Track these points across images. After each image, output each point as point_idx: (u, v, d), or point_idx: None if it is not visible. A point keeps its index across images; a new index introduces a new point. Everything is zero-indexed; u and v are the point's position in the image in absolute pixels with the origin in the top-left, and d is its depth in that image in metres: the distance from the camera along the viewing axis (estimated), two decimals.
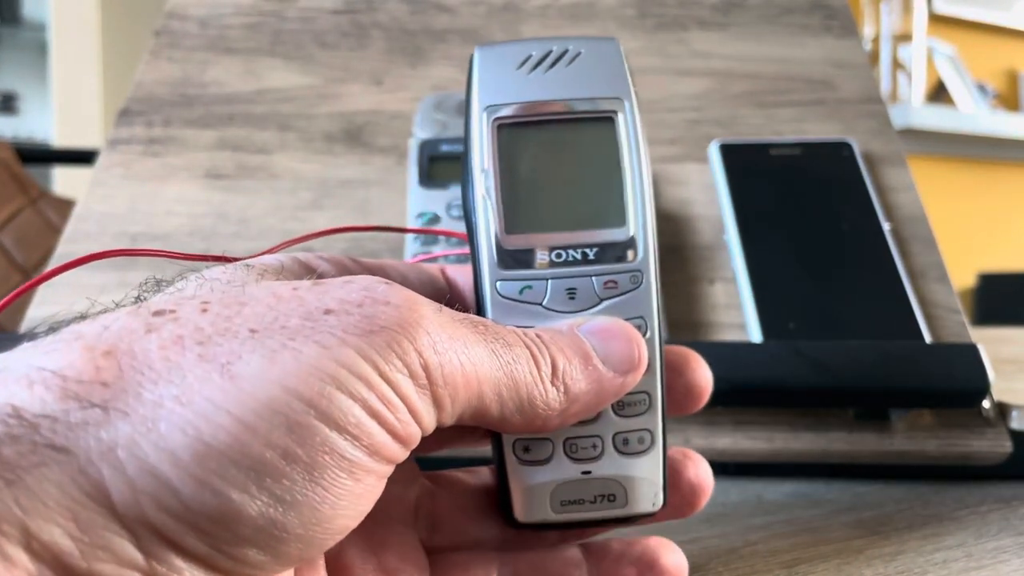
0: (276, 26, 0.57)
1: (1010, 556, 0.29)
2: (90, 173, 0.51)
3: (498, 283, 0.20)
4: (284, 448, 0.15)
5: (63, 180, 1.79)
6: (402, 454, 0.17)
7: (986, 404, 0.37)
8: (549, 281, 0.21)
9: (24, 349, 0.16)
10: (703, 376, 0.23)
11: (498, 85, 0.21)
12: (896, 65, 2.29)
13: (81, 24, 1.98)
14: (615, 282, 0.21)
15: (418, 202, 0.43)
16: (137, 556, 0.14)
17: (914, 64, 2.27)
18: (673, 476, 0.22)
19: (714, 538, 0.30)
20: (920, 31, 2.28)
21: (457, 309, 0.19)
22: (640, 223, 0.21)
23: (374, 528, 0.20)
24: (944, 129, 2.22)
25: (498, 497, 0.21)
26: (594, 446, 0.21)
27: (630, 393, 0.20)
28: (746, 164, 0.48)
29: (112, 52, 1.98)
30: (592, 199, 0.21)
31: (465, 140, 0.21)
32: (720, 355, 0.36)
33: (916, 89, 2.28)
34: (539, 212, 0.21)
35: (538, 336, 0.19)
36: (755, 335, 0.40)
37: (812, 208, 0.45)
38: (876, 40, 2.28)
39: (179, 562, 0.14)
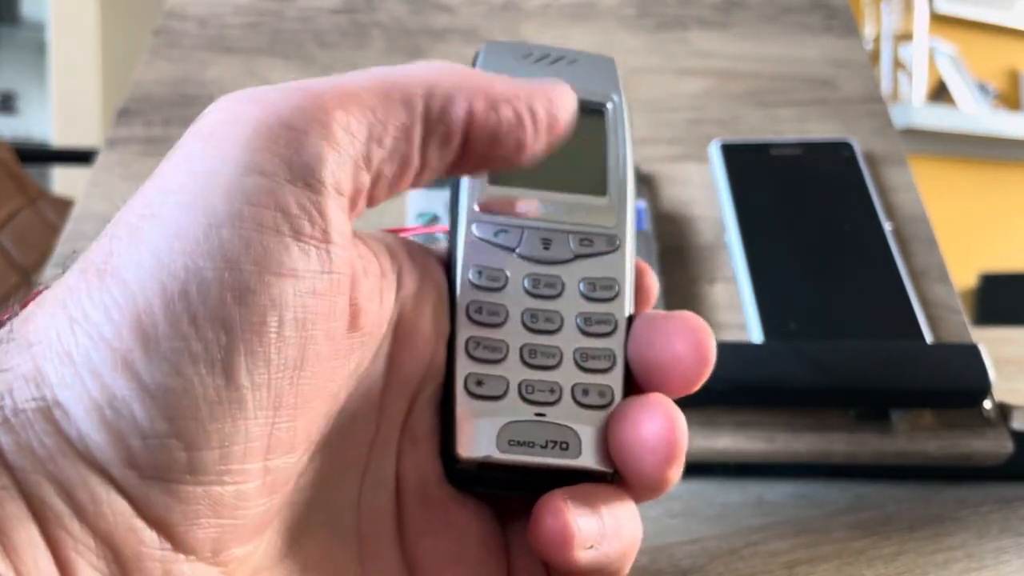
0: (275, 25, 0.57)
1: (1011, 556, 0.28)
2: (89, 173, 0.51)
3: (474, 224, 0.21)
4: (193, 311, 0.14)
5: (62, 180, 1.79)
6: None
7: (987, 404, 0.37)
8: (525, 230, 0.21)
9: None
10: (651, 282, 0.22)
11: (501, 67, 0.22)
12: (897, 65, 2.29)
13: (80, 24, 1.98)
14: (591, 240, 0.21)
15: (418, 202, 0.43)
16: (125, 506, 0.14)
17: (915, 64, 2.27)
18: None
19: (714, 539, 0.30)
20: (921, 31, 2.28)
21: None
22: (618, 196, 0.22)
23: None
24: (945, 129, 2.22)
25: (440, 442, 0.20)
26: (551, 391, 0.20)
27: (593, 348, 0.20)
28: (747, 164, 0.47)
29: (111, 52, 1.98)
30: (577, 169, 0.22)
31: None
32: (720, 355, 0.36)
33: (917, 89, 2.28)
34: (525, 171, 0.21)
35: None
36: (756, 335, 0.40)
37: (813, 208, 0.45)
38: (877, 40, 2.28)
39: (165, 487, 0.14)
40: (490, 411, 0.19)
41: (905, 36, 2.28)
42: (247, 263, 0.15)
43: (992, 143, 2.36)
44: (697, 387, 0.20)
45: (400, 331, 0.19)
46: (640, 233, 0.44)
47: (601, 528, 0.18)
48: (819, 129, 0.51)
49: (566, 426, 0.20)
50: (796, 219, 0.45)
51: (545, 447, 0.19)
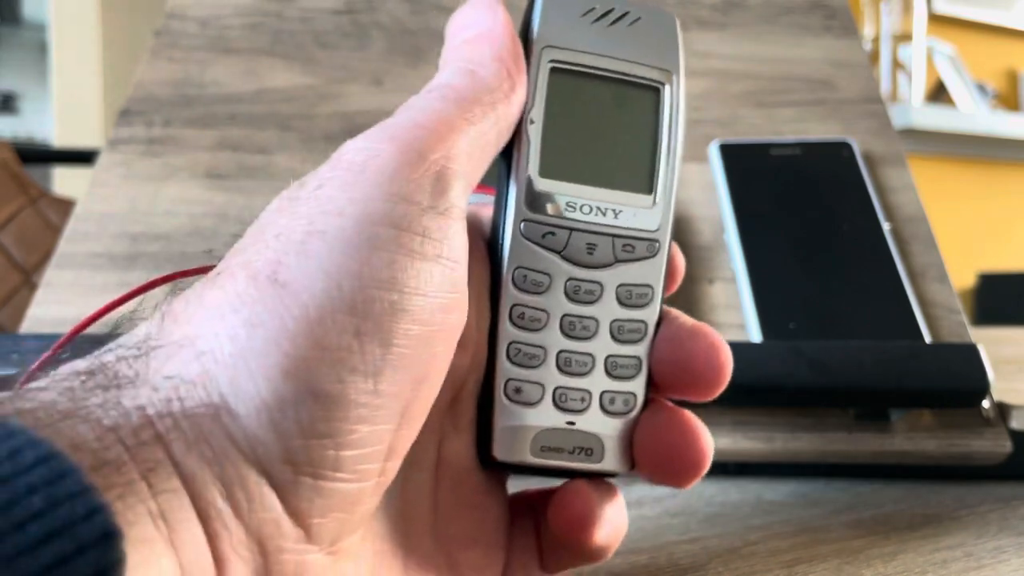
0: (276, 26, 0.57)
1: (1010, 556, 0.29)
2: (90, 173, 0.51)
3: (523, 223, 0.21)
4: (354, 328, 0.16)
5: (63, 180, 1.79)
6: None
7: (986, 404, 0.37)
8: (572, 232, 0.21)
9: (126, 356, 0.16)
10: (720, 357, 0.21)
11: (560, 26, 0.21)
12: (896, 65, 2.29)
13: (81, 24, 1.98)
14: (632, 246, 0.21)
15: None
16: (276, 502, 0.15)
17: (914, 64, 2.27)
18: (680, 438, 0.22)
19: (714, 538, 0.30)
20: (920, 31, 2.28)
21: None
22: (665, 195, 0.22)
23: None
24: (944, 129, 2.23)
25: (476, 434, 0.21)
26: (582, 399, 0.21)
27: (623, 356, 0.21)
28: (746, 164, 0.48)
29: (112, 52, 1.98)
30: (626, 162, 0.22)
31: None
32: None
33: (916, 89, 2.28)
34: (575, 163, 0.21)
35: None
36: (755, 335, 0.40)
37: (812, 208, 0.45)
38: (876, 40, 2.28)
39: (313, 484, 0.16)
40: (525, 417, 0.21)
41: (904, 36, 2.28)
42: (404, 285, 0.17)
43: (991, 143, 2.36)
44: (713, 396, 0.22)
45: (464, 352, 0.20)
46: None
47: (612, 515, 0.21)
48: (818, 129, 0.51)
49: (592, 434, 0.21)
50: (795, 219, 0.45)
51: (572, 452, 0.21)
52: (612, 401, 0.21)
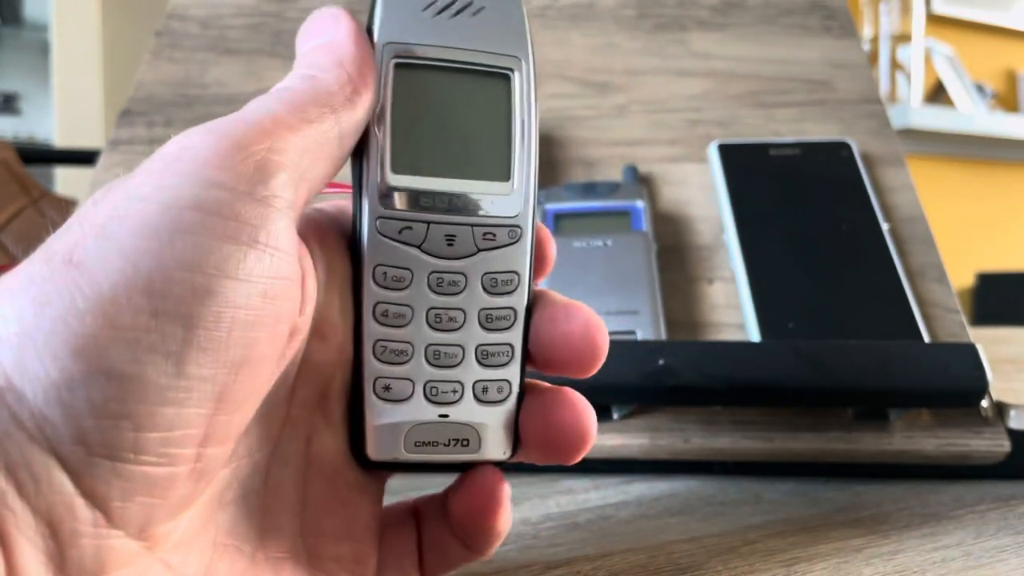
0: (277, 27, 0.57)
1: (1008, 555, 0.29)
2: (92, 173, 0.52)
3: (378, 220, 0.20)
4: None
5: (65, 180, 1.79)
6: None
7: (984, 404, 0.37)
8: (430, 225, 0.21)
9: None
10: (595, 334, 0.21)
11: (401, 23, 0.21)
12: (895, 65, 2.29)
13: (82, 25, 1.98)
14: (493, 234, 0.21)
15: None
16: (67, 483, 0.15)
17: (913, 64, 2.27)
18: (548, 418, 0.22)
19: (713, 537, 0.30)
20: (919, 31, 2.28)
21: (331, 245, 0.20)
22: (524, 180, 0.21)
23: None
24: (943, 129, 2.22)
25: (349, 434, 0.21)
26: (454, 391, 0.21)
27: (494, 344, 0.21)
28: (745, 164, 0.48)
29: (113, 53, 1.98)
30: (480, 151, 0.21)
31: None
32: (720, 355, 0.37)
33: (915, 89, 2.28)
34: (427, 156, 0.21)
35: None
36: (754, 335, 0.41)
37: (811, 208, 0.46)
38: (875, 40, 2.28)
39: (109, 465, 0.15)
40: (397, 414, 0.20)
41: (903, 37, 2.28)
42: (208, 267, 0.16)
43: (990, 143, 2.36)
44: (592, 371, 0.22)
45: (317, 328, 0.20)
46: (639, 233, 0.44)
47: (508, 503, 0.22)
48: (817, 130, 0.51)
49: (467, 424, 0.21)
50: (794, 219, 0.45)
51: (448, 445, 0.21)
52: (485, 390, 0.21)
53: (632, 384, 0.36)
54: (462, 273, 0.21)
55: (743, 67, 0.55)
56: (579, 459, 0.21)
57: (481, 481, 0.21)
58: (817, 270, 0.43)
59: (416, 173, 0.21)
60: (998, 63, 2.51)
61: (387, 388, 0.20)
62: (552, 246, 0.23)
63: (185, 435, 0.16)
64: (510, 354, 0.21)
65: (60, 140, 1.96)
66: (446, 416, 0.21)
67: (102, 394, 0.15)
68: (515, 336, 0.21)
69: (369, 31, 0.21)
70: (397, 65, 0.21)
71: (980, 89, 2.40)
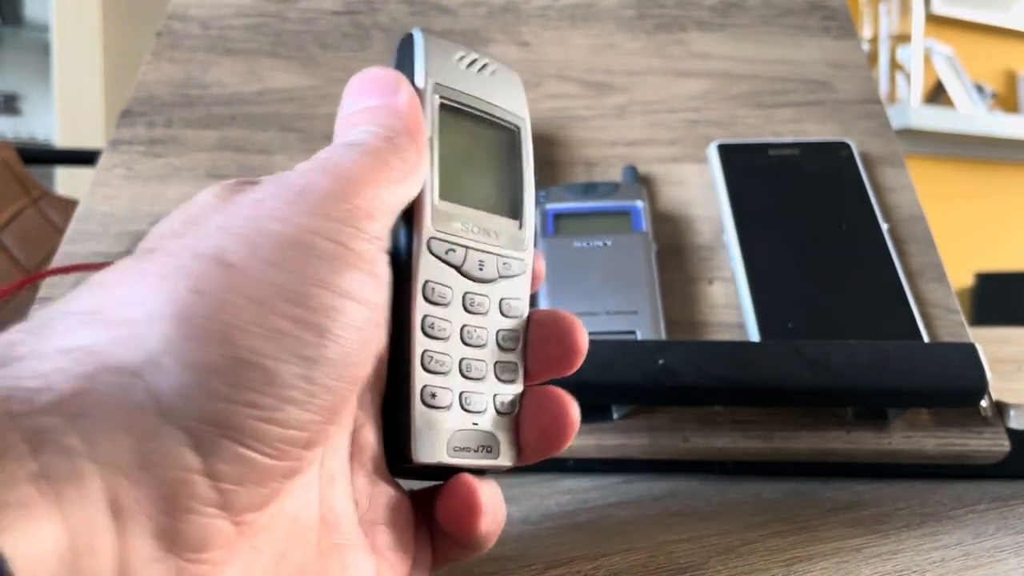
0: (277, 27, 0.57)
1: (1007, 555, 0.29)
2: (92, 174, 0.52)
3: (431, 240, 0.22)
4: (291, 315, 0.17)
5: (65, 180, 1.79)
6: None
7: (984, 403, 0.38)
8: (468, 250, 0.23)
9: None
10: (581, 340, 0.24)
11: (441, 68, 0.24)
12: (894, 66, 2.29)
13: (83, 25, 1.98)
14: (509, 264, 0.24)
15: None
16: (194, 460, 0.16)
17: (912, 65, 2.27)
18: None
19: (712, 536, 0.30)
20: (918, 32, 2.28)
21: None
22: (527, 220, 0.25)
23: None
24: (942, 130, 2.23)
25: (386, 439, 0.22)
26: (481, 401, 0.23)
27: (506, 361, 0.24)
28: (745, 164, 0.48)
29: (114, 53, 1.98)
30: (501, 190, 0.25)
31: None
32: (719, 355, 0.37)
33: (914, 90, 2.28)
34: (465, 188, 0.24)
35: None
36: (754, 335, 0.41)
37: (810, 208, 0.46)
38: (874, 41, 2.28)
39: (233, 449, 0.16)
40: (440, 421, 0.22)
41: (902, 37, 2.28)
42: (339, 287, 0.18)
43: (989, 144, 2.36)
44: (574, 369, 0.24)
45: (379, 359, 0.22)
46: (639, 233, 0.44)
47: (493, 506, 0.22)
48: (817, 130, 0.51)
49: (490, 432, 0.23)
50: (794, 219, 0.45)
51: (478, 451, 0.23)
52: (503, 403, 0.23)
53: (632, 384, 0.36)
54: (487, 296, 0.23)
55: (743, 67, 0.55)
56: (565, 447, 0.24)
57: (457, 489, 0.22)
58: (817, 270, 0.43)
59: (459, 202, 0.23)
60: (998, 63, 2.51)
61: (433, 396, 0.22)
62: (541, 271, 0.26)
63: (298, 435, 0.18)
64: (516, 370, 0.24)
65: (60, 140, 1.96)
66: (476, 424, 0.23)
67: (241, 381, 0.16)
68: (519, 355, 0.24)
69: (412, 66, 0.24)
70: (442, 105, 0.23)
71: (980, 89, 2.41)
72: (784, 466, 0.38)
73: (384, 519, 0.22)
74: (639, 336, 0.40)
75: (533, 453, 0.24)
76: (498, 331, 0.23)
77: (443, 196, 0.23)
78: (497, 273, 0.24)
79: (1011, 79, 2.53)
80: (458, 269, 0.23)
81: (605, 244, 0.43)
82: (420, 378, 0.22)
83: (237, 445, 0.16)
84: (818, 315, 0.41)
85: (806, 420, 0.38)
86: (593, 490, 0.36)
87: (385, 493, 0.22)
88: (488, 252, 0.23)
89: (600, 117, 0.53)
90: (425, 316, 0.22)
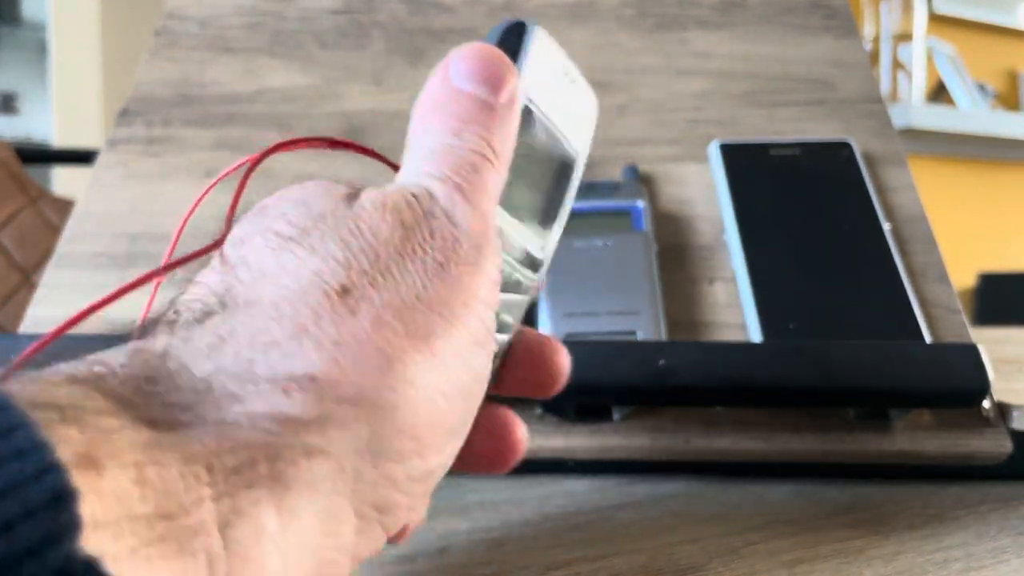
0: (275, 26, 0.57)
1: (1010, 556, 0.29)
2: (90, 173, 0.51)
3: None
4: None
5: (63, 180, 1.79)
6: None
7: (986, 404, 0.37)
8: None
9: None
10: (562, 363, 0.25)
11: (540, 80, 0.22)
12: (896, 65, 2.29)
13: (81, 24, 1.98)
14: (518, 283, 0.23)
15: None
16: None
17: (914, 64, 2.27)
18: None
19: (714, 538, 0.30)
20: (920, 31, 2.28)
21: None
22: (550, 248, 0.24)
23: None
24: (944, 129, 2.23)
25: None
26: None
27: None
28: (746, 164, 0.48)
29: (112, 52, 1.98)
30: (539, 209, 0.24)
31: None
32: (720, 355, 0.36)
33: (916, 89, 2.28)
34: (516, 196, 0.23)
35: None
36: (755, 335, 0.40)
37: (812, 208, 0.45)
38: (876, 40, 2.28)
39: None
40: None
41: (904, 36, 2.28)
42: (476, 374, 0.20)
43: (991, 143, 2.36)
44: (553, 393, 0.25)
45: None
46: (639, 233, 0.44)
47: None
48: (818, 129, 0.51)
49: None
50: (795, 219, 0.45)
51: None
52: None
53: (632, 384, 0.36)
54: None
55: (744, 66, 0.55)
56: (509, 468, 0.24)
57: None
58: (818, 270, 0.43)
59: (509, 209, 0.22)
60: (999, 63, 2.51)
61: None
62: (564, 357, 0.25)
63: (426, 488, 0.19)
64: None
65: (58, 140, 1.96)
66: None
67: (416, 477, 0.18)
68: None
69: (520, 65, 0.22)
70: (526, 110, 0.22)
71: (981, 89, 2.40)
72: (786, 467, 0.38)
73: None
74: (639, 336, 0.40)
75: (476, 463, 0.24)
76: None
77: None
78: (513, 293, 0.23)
79: (1013, 78, 2.53)
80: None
81: (605, 244, 0.43)
82: None
83: (380, 527, 0.18)
84: (820, 315, 0.41)
85: (808, 421, 0.37)
86: (594, 491, 0.36)
87: None
88: (509, 265, 0.22)
89: (600, 116, 0.52)
90: None
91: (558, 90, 0.23)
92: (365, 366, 0.16)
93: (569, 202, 0.24)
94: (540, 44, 0.22)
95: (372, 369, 0.16)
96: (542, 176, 0.23)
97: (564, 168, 0.24)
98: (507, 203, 0.22)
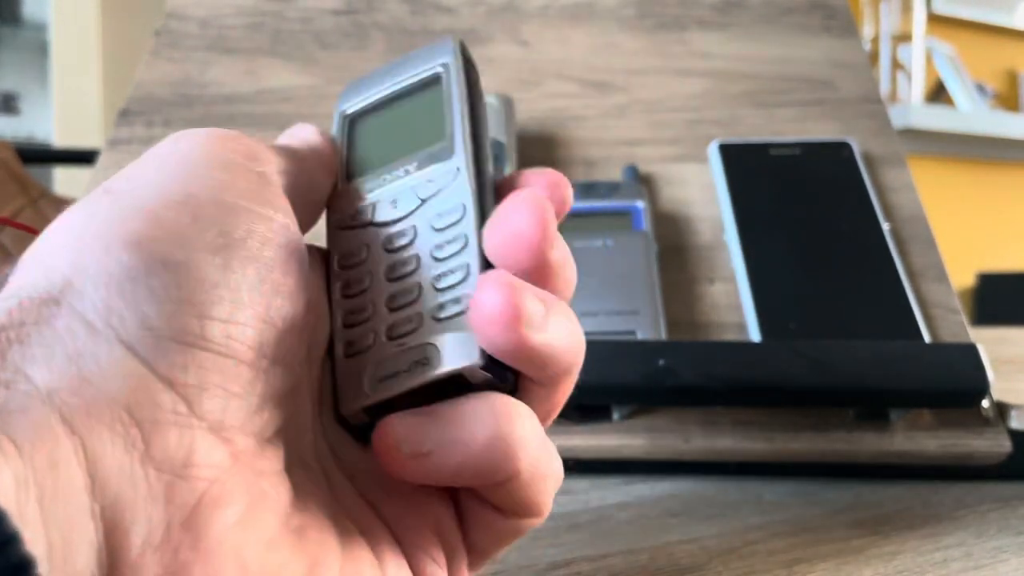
0: (276, 26, 0.57)
1: (1009, 555, 0.29)
2: (90, 173, 0.51)
3: (336, 217, 0.23)
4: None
5: (64, 180, 1.79)
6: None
7: (985, 404, 0.37)
8: (377, 202, 0.22)
9: None
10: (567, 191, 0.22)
11: (349, 97, 0.26)
12: (895, 65, 2.29)
13: (81, 24, 1.98)
14: (432, 180, 0.22)
15: None
16: (139, 366, 0.16)
17: (913, 64, 2.27)
18: None
19: (713, 537, 0.30)
20: (919, 31, 2.28)
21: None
22: (460, 135, 0.22)
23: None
24: (943, 129, 2.22)
25: (333, 408, 0.21)
26: (410, 321, 0.20)
27: (447, 270, 0.20)
28: (746, 164, 0.48)
29: (112, 52, 1.98)
30: (415, 131, 0.23)
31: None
32: (720, 355, 0.36)
33: (915, 89, 2.28)
34: (371, 158, 0.24)
35: None
36: (755, 335, 0.41)
37: (811, 208, 0.46)
38: (875, 40, 2.28)
39: (178, 348, 0.16)
40: (362, 364, 0.20)
41: (904, 37, 2.28)
42: (229, 193, 0.18)
43: (990, 143, 2.36)
44: (544, 255, 0.19)
45: (312, 313, 0.21)
46: (639, 233, 0.44)
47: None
48: (818, 129, 0.51)
49: (425, 344, 0.20)
50: (795, 219, 0.45)
51: (409, 371, 0.19)
52: (441, 307, 0.20)
53: (632, 384, 0.36)
54: (411, 226, 0.22)
55: (743, 67, 0.55)
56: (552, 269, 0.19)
57: (381, 428, 0.19)
58: (818, 270, 0.43)
59: (362, 174, 0.23)
60: (999, 63, 2.51)
61: (350, 343, 0.21)
62: (567, 190, 0.22)
63: (243, 329, 0.17)
64: (465, 270, 0.20)
65: (59, 140, 1.96)
66: (403, 344, 0.20)
67: (161, 281, 0.16)
68: (470, 255, 0.20)
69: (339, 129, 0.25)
70: (349, 120, 0.25)
71: (981, 89, 2.40)
72: (785, 467, 0.38)
73: (400, 503, 0.20)
74: (639, 336, 0.40)
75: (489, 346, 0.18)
76: (433, 248, 0.21)
77: (348, 178, 0.23)
78: (417, 199, 0.22)
79: (1012, 78, 2.53)
80: (370, 224, 0.22)
81: (605, 244, 0.43)
82: (340, 336, 0.21)
83: (182, 344, 0.16)
84: (819, 315, 0.41)
85: (807, 421, 0.37)
86: (593, 491, 0.36)
87: (384, 485, 0.20)
88: (398, 188, 0.22)
89: (600, 116, 0.53)
90: (341, 283, 0.22)
91: (384, 81, 0.25)
92: None
93: (453, 93, 0.23)
94: (346, 91, 0.26)
95: None
96: (403, 118, 0.24)
97: (433, 87, 0.24)
98: (374, 162, 0.23)
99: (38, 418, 0.14)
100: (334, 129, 0.25)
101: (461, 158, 0.22)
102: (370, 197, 0.23)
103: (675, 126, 0.52)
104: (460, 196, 0.21)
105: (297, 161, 0.22)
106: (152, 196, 0.17)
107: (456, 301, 0.20)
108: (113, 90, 1.95)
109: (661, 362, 0.36)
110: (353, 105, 0.25)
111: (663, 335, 0.40)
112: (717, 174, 0.48)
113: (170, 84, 0.54)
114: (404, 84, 0.25)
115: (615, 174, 0.50)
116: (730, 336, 0.42)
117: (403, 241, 0.21)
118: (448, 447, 0.18)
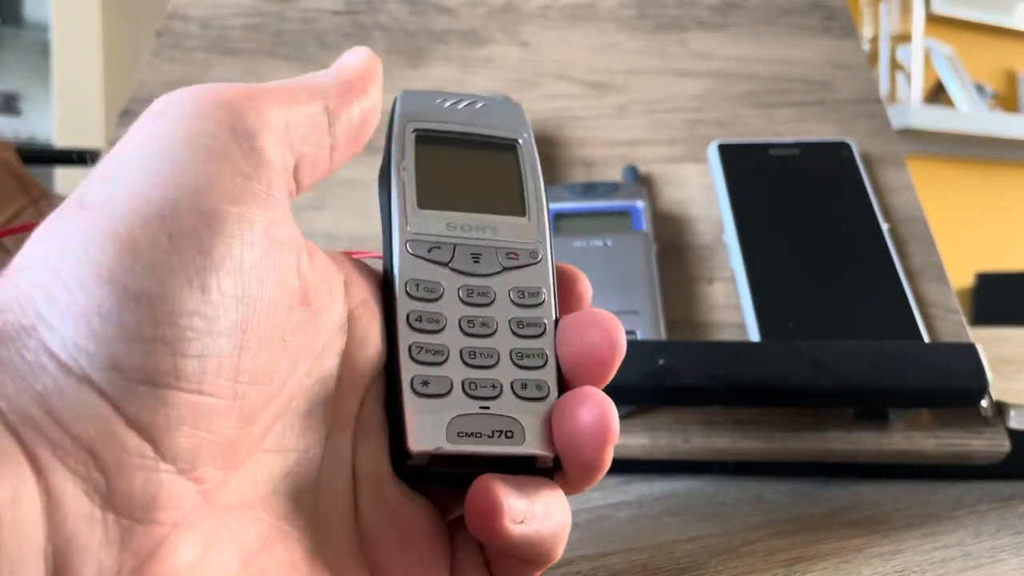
0: (277, 27, 0.57)
1: (1008, 555, 0.29)
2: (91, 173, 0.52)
3: (408, 243, 0.22)
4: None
5: (65, 180, 1.79)
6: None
7: (984, 404, 0.37)
8: (456, 246, 0.23)
9: None
10: (618, 334, 0.22)
11: (419, 109, 0.25)
12: (895, 66, 2.29)
13: (83, 25, 1.98)
14: (516, 254, 0.23)
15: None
16: (106, 409, 0.15)
17: (913, 64, 2.27)
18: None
19: (713, 537, 0.30)
20: (918, 32, 2.28)
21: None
22: (537, 217, 0.24)
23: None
24: (942, 129, 2.22)
25: (389, 441, 0.21)
26: (493, 386, 0.21)
27: (528, 349, 0.22)
28: (745, 164, 0.48)
29: (114, 53, 1.98)
30: (497, 194, 0.24)
31: (386, 157, 0.24)
32: (720, 355, 0.37)
33: (915, 89, 2.28)
34: (449, 196, 0.24)
35: None
36: (754, 335, 0.41)
37: (811, 208, 0.46)
38: (875, 41, 2.28)
39: (146, 390, 0.15)
40: (437, 407, 0.20)
41: (903, 37, 2.28)
42: (211, 194, 0.17)
43: (989, 144, 2.36)
44: (613, 371, 0.22)
45: (353, 334, 0.21)
46: (639, 233, 0.44)
47: (530, 506, 0.20)
48: (817, 130, 0.51)
49: (510, 416, 0.21)
50: (794, 219, 0.45)
51: (492, 436, 0.20)
52: (524, 386, 0.21)
53: (632, 384, 0.36)
54: (490, 287, 0.23)
55: (743, 67, 0.55)
56: (604, 469, 0.21)
57: (475, 487, 0.19)
58: (817, 270, 0.43)
59: (441, 208, 0.23)
60: (998, 63, 2.51)
61: (425, 383, 0.21)
62: (583, 279, 0.24)
63: (219, 364, 0.16)
64: (544, 358, 0.22)
65: (60, 140, 1.96)
66: (487, 408, 0.21)
67: (134, 317, 0.15)
68: (547, 343, 0.22)
69: (390, 125, 0.25)
70: (417, 135, 0.24)
71: (980, 89, 2.40)
72: (785, 466, 0.38)
73: (397, 544, 0.20)
74: (639, 336, 0.40)
75: (567, 456, 0.20)
76: (512, 319, 0.22)
77: (423, 205, 0.23)
78: (499, 265, 0.23)
79: (1011, 79, 2.53)
80: (447, 266, 0.22)
81: (605, 244, 0.43)
82: (408, 369, 0.21)
83: (151, 386, 0.15)
84: (818, 315, 0.41)
85: (807, 420, 0.38)
86: (593, 490, 0.36)
87: (399, 516, 0.20)
88: (484, 246, 0.23)
89: (600, 117, 0.53)
90: (411, 311, 0.22)
91: (453, 113, 0.25)
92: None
93: (531, 172, 0.25)
94: (408, 98, 0.25)
95: None
96: (482, 172, 0.25)
97: (508, 155, 0.25)
98: (454, 203, 0.24)
99: (6, 448, 0.14)
100: (394, 123, 0.25)
101: (544, 244, 0.24)
102: (448, 238, 0.23)
103: (675, 126, 0.52)
104: (540, 280, 0.23)
105: (309, 116, 0.20)
106: (128, 212, 0.16)
107: (538, 387, 0.21)
108: (114, 90, 1.95)
109: (661, 362, 0.36)
110: (421, 123, 0.25)
111: (663, 335, 0.40)
112: (716, 174, 0.48)
113: (171, 84, 0.54)
114: (480, 135, 0.25)
115: (615, 174, 0.50)
116: (729, 336, 0.42)
117: (482, 300, 0.22)
118: (538, 524, 0.20)
